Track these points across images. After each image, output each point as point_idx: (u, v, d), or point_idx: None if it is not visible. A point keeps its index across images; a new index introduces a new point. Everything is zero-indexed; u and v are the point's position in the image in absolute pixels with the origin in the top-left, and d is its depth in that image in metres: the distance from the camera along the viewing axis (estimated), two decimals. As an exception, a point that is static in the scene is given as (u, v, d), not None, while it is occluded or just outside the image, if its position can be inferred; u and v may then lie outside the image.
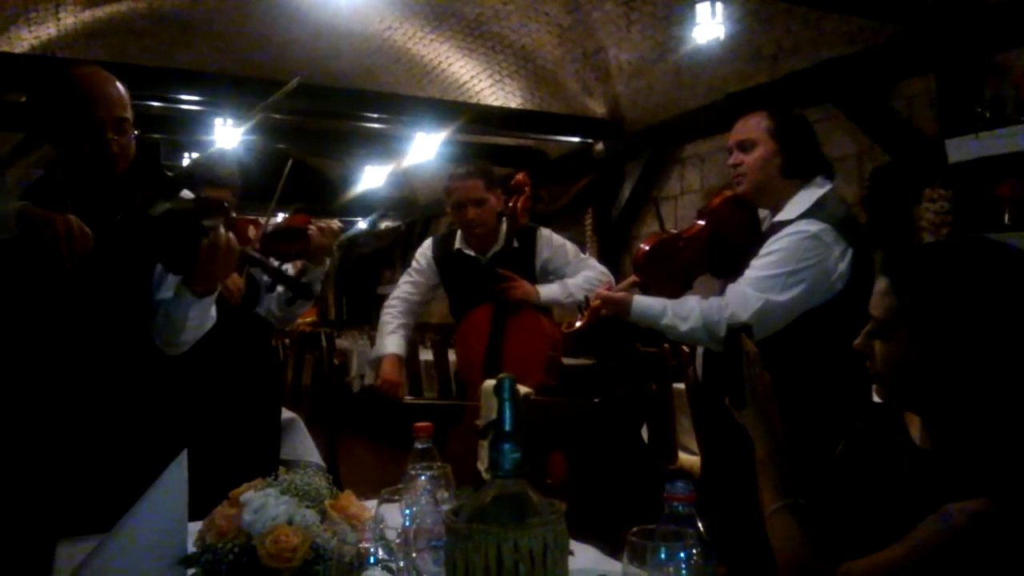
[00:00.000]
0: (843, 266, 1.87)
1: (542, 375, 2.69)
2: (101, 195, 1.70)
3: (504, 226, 2.87)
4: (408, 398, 2.89)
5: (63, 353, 1.71)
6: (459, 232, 2.93)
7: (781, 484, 1.13)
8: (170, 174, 1.77)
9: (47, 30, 6.61)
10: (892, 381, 1.09)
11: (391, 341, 2.93)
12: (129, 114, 1.72)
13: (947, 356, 1.02)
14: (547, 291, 2.79)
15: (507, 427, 0.80)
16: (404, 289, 3.01)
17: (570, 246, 2.94)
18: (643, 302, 2.00)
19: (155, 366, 1.81)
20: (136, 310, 1.78)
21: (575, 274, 2.85)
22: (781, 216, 1.99)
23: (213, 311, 1.81)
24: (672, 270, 2.12)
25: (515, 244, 2.84)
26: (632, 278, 2.09)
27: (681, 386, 3.37)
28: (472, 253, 2.89)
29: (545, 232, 2.93)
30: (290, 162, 2.16)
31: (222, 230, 1.67)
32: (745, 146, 2.02)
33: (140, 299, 1.79)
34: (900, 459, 1.11)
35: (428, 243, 3.05)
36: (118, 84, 1.72)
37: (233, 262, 1.73)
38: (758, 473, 1.17)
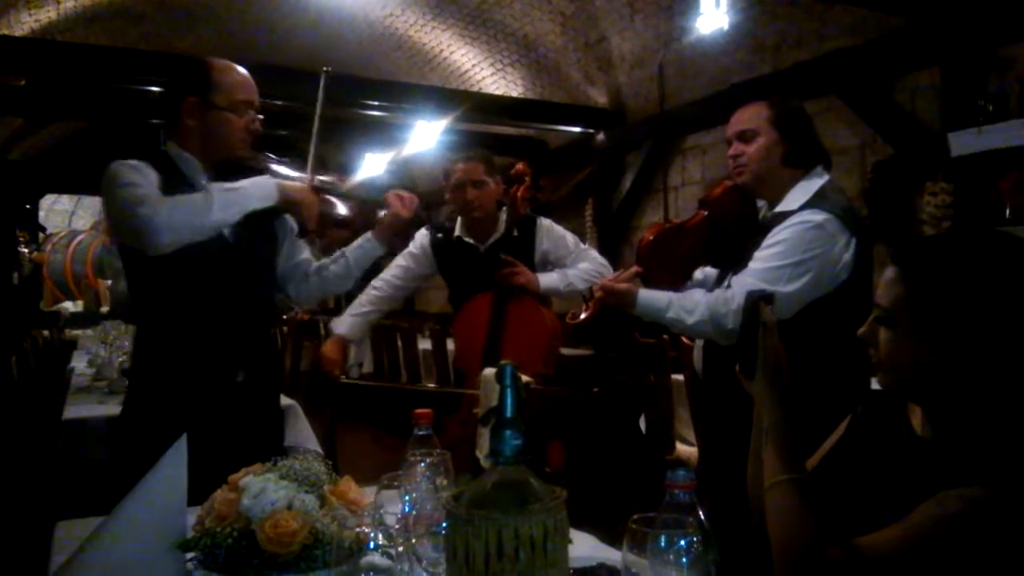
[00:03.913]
0: (847, 256, 1.87)
1: (541, 365, 2.69)
2: (236, 172, 1.95)
3: (504, 215, 2.86)
4: (344, 378, 3.07)
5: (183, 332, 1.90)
6: (459, 219, 2.92)
7: (785, 457, 1.13)
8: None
9: (47, 13, 6.57)
10: (896, 371, 1.09)
11: (348, 323, 2.99)
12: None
13: (955, 347, 1.02)
14: (547, 280, 2.78)
15: (508, 414, 0.80)
16: (393, 271, 3.01)
17: (570, 237, 2.93)
18: (648, 295, 1.99)
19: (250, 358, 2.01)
20: (261, 290, 2.06)
21: (575, 265, 2.84)
22: (782, 207, 1.98)
23: None
24: (674, 260, 2.11)
25: (515, 233, 2.84)
26: (634, 268, 2.09)
27: (679, 377, 3.37)
28: (471, 241, 2.89)
29: (545, 222, 2.92)
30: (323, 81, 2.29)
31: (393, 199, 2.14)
32: (746, 136, 2.01)
33: (268, 279, 2.10)
34: (900, 447, 1.11)
35: (425, 229, 3.04)
36: None
37: (413, 214, 2.17)
38: (763, 444, 1.16)
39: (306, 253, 2.21)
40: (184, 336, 1.91)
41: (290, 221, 2.11)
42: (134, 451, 1.83)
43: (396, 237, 2.22)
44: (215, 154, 1.97)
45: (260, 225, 1.96)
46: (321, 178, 2.09)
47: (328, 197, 2.09)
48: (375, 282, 3.01)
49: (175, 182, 1.89)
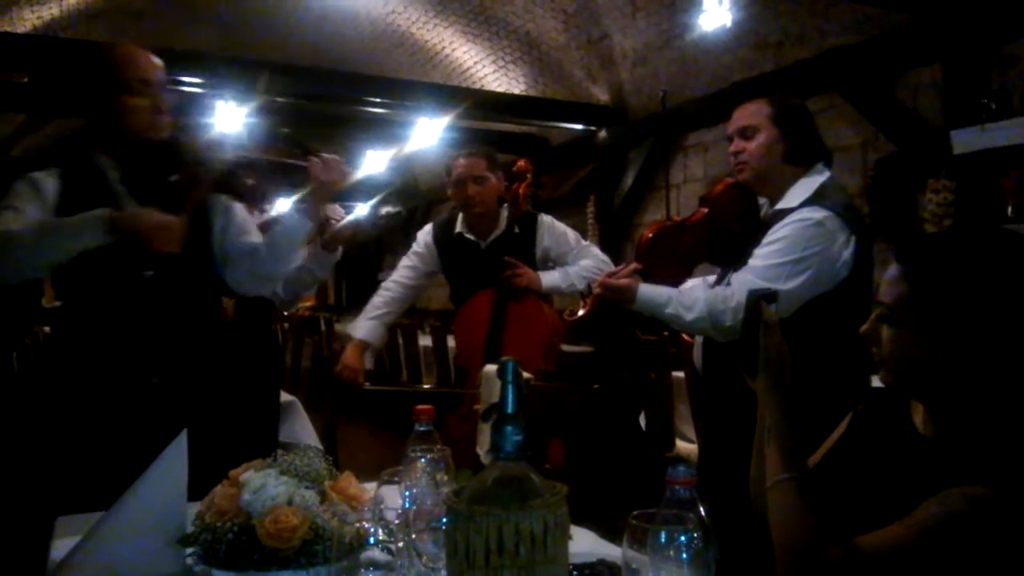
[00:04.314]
0: (847, 254, 1.87)
1: (541, 362, 2.70)
2: (155, 164, 1.82)
3: (505, 212, 2.86)
4: (367, 384, 2.96)
5: (116, 326, 1.79)
6: (460, 216, 2.92)
7: (787, 455, 1.12)
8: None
9: (49, 10, 6.57)
10: (898, 368, 1.09)
11: (365, 327, 2.93)
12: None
13: (958, 345, 1.02)
14: (549, 279, 2.79)
15: (509, 410, 0.80)
16: (402, 272, 3.01)
17: (571, 233, 2.93)
18: (648, 290, 1.99)
19: (198, 345, 1.90)
20: (197, 277, 1.92)
21: (576, 262, 2.84)
22: (782, 204, 1.98)
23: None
24: (674, 257, 2.11)
25: (516, 230, 2.84)
26: (634, 264, 2.08)
27: (680, 374, 3.37)
28: (472, 237, 2.89)
29: (546, 219, 2.92)
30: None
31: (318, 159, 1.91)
32: (746, 133, 2.01)
33: (202, 264, 1.93)
34: (902, 445, 1.11)
35: (428, 227, 3.05)
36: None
37: (341, 180, 1.92)
38: (766, 442, 1.16)
39: (249, 236, 1.99)
40: (87, 335, 1.80)
41: (223, 201, 1.98)
42: (44, 452, 1.79)
43: (320, 205, 1.94)
44: (127, 144, 1.83)
45: (176, 208, 1.76)
46: (243, 154, 1.99)
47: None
48: (386, 283, 3.02)
49: (90, 191, 1.77)
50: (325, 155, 1.91)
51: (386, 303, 2.97)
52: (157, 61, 1.86)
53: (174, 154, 1.86)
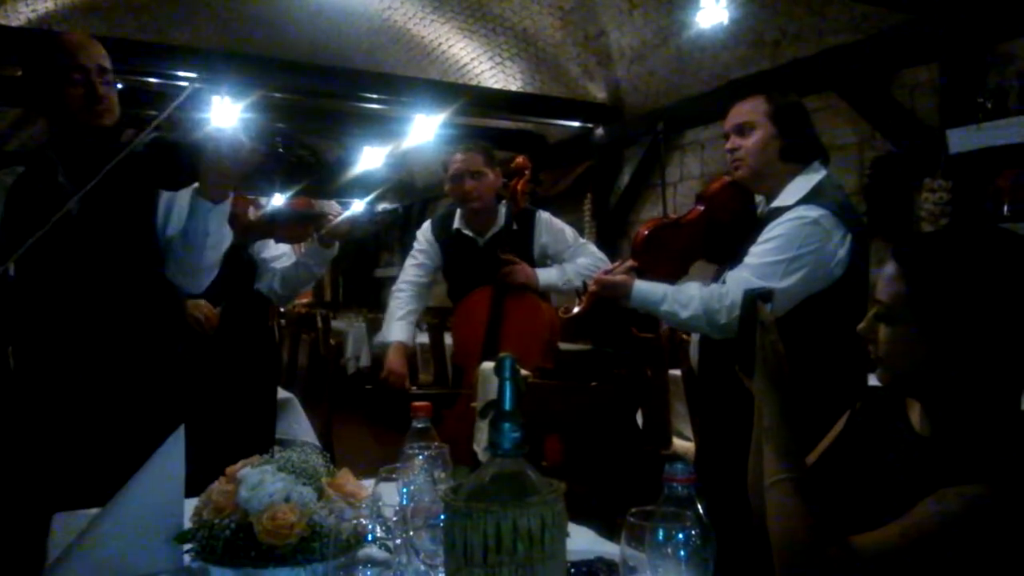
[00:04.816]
0: (842, 252, 1.87)
1: (539, 359, 2.70)
2: (93, 153, 1.71)
3: (503, 208, 2.86)
4: (413, 388, 2.94)
5: (73, 322, 1.76)
6: (458, 212, 2.92)
7: (785, 455, 1.12)
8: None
9: (44, 4, 6.54)
10: (896, 366, 1.09)
11: (398, 328, 2.90)
12: (110, 66, 1.79)
13: (955, 344, 1.02)
14: (545, 276, 2.79)
15: (507, 406, 0.80)
16: (412, 272, 2.99)
17: (569, 231, 2.93)
18: (643, 288, 1.99)
19: (159, 337, 1.87)
20: (144, 267, 1.85)
21: (573, 259, 2.85)
22: (778, 202, 1.98)
23: (227, 228, 1.84)
24: (670, 255, 2.11)
25: (514, 226, 2.84)
26: (630, 262, 2.08)
27: (676, 372, 3.37)
28: (470, 233, 2.89)
29: (544, 215, 2.92)
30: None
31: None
32: (743, 130, 2.01)
33: (147, 255, 1.86)
34: (899, 444, 1.11)
35: (427, 224, 3.05)
36: (95, 41, 1.81)
37: (244, 157, 1.70)
38: (763, 442, 1.16)
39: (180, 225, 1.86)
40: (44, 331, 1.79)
41: (167, 195, 1.90)
42: (41, 448, 1.78)
43: (217, 185, 1.75)
44: (70, 135, 1.78)
45: (121, 192, 1.71)
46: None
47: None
48: (398, 286, 3.00)
49: (40, 188, 1.73)
50: (230, 134, 1.73)
51: (406, 303, 2.96)
52: (96, 48, 1.78)
53: (117, 143, 1.76)
